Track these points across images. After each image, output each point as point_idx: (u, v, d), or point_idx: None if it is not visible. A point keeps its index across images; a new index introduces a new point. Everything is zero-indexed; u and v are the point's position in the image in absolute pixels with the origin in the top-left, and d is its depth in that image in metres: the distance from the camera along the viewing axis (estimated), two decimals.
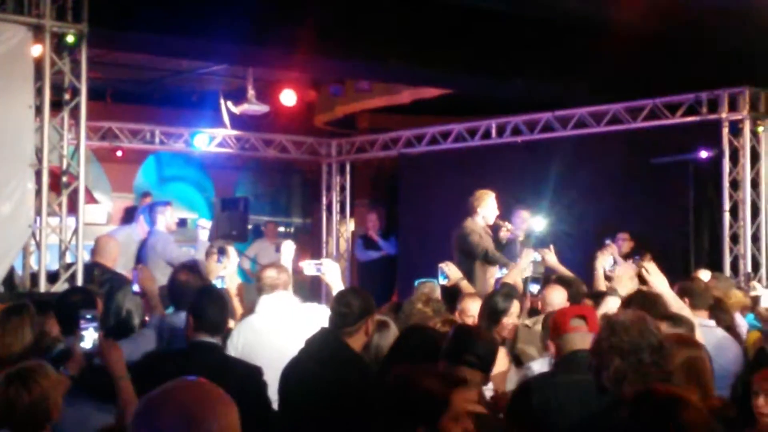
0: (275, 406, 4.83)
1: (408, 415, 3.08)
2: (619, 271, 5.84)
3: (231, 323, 6.58)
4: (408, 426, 3.06)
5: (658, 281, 5.63)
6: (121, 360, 4.17)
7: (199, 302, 4.83)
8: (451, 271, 7.52)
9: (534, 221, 10.29)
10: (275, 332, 5.80)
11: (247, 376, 4.53)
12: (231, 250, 7.20)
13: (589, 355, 3.75)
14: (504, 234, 9.37)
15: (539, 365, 4.97)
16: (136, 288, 6.04)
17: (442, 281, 7.53)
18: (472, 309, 6.06)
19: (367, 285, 12.63)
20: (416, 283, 7.60)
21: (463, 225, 9.23)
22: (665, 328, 4.87)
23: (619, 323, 3.53)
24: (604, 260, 7.89)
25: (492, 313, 5.86)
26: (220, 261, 6.97)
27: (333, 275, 6.27)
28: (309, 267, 6.40)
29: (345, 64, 12.05)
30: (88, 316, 4.23)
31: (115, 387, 4.08)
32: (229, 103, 14.06)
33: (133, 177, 16.23)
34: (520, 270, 7.62)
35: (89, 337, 4.22)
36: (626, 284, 5.74)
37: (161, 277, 8.08)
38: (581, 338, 4.31)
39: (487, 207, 9.25)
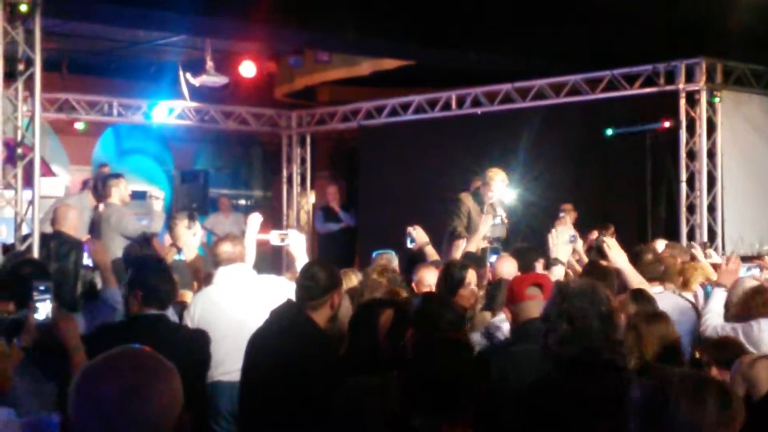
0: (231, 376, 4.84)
1: None
2: (553, 238, 5.84)
3: (189, 296, 6.57)
4: None
5: (618, 256, 5.67)
6: (75, 331, 4.13)
7: (148, 276, 4.79)
8: (418, 235, 7.53)
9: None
10: (233, 304, 5.78)
11: (195, 342, 4.47)
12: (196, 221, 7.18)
13: (539, 321, 3.78)
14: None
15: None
16: (88, 261, 5.98)
17: (410, 245, 7.56)
18: (427, 279, 6.08)
19: (328, 257, 12.63)
20: (374, 254, 7.62)
21: (460, 195, 9.44)
22: (629, 305, 4.93)
23: (570, 290, 3.57)
24: (565, 231, 7.92)
25: (449, 283, 5.87)
26: (191, 227, 6.92)
27: (298, 246, 6.23)
28: (274, 237, 6.37)
29: (304, 34, 11.97)
30: (42, 288, 4.18)
31: (69, 358, 4.05)
32: (188, 75, 13.93)
33: (92, 149, 16.06)
34: (480, 236, 7.69)
35: (43, 308, 4.18)
36: (563, 249, 5.76)
37: (117, 250, 8.04)
38: (537, 306, 4.32)
39: (493, 186, 9.30)
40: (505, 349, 4.35)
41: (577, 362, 3.37)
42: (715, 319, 5.69)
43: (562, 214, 9.59)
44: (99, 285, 6.50)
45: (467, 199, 9.32)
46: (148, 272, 4.84)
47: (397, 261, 7.44)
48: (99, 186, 9.65)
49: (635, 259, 6.11)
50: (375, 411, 3.37)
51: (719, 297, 5.79)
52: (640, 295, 5.03)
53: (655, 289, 5.82)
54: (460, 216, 9.21)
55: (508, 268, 6.28)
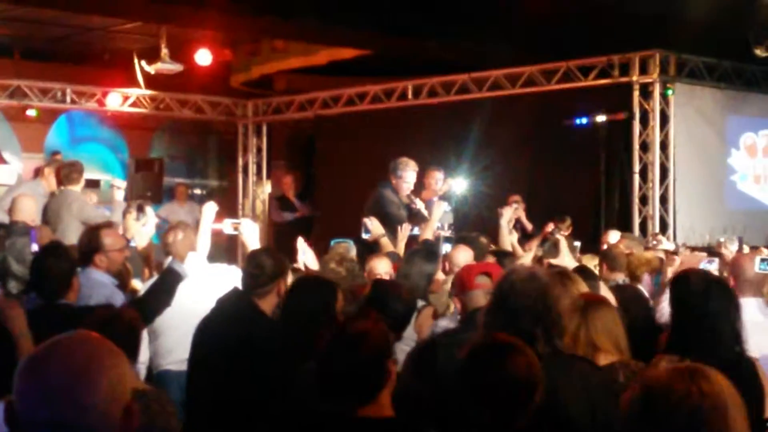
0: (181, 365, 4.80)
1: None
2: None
3: (139, 284, 6.53)
4: None
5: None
6: (21, 317, 4.09)
7: (33, 268, 4.87)
8: (373, 227, 7.53)
9: (454, 182, 10.29)
10: (182, 292, 5.74)
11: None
12: (149, 209, 7.10)
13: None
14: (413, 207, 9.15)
15: (446, 321, 5.02)
16: (35, 247, 5.92)
17: (365, 236, 7.55)
18: (378, 268, 6.10)
19: (283, 246, 12.58)
20: (332, 242, 7.61)
21: (382, 192, 8.91)
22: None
23: (509, 277, 3.60)
24: (508, 219, 7.97)
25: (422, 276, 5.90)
26: (139, 219, 6.87)
27: (251, 235, 6.20)
28: (227, 227, 6.33)
29: (259, 22, 11.90)
30: None
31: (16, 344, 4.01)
32: (143, 62, 13.79)
33: (44, 137, 15.86)
34: (434, 224, 7.73)
35: None
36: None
37: (74, 237, 7.95)
38: (485, 295, 4.36)
39: (406, 177, 9.07)
40: (454, 337, 4.37)
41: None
42: None
43: (515, 206, 9.59)
44: None
45: (388, 193, 8.94)
46: (36, 266, 4.89)
47: (354, 250, 7.41)
48: (64, 170, 9.49)
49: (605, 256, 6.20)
50: None
51: None
52: (583, 273, 5.09)
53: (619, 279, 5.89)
54: (398, 210, 8.86)
55: (464, 257, 6.31)
